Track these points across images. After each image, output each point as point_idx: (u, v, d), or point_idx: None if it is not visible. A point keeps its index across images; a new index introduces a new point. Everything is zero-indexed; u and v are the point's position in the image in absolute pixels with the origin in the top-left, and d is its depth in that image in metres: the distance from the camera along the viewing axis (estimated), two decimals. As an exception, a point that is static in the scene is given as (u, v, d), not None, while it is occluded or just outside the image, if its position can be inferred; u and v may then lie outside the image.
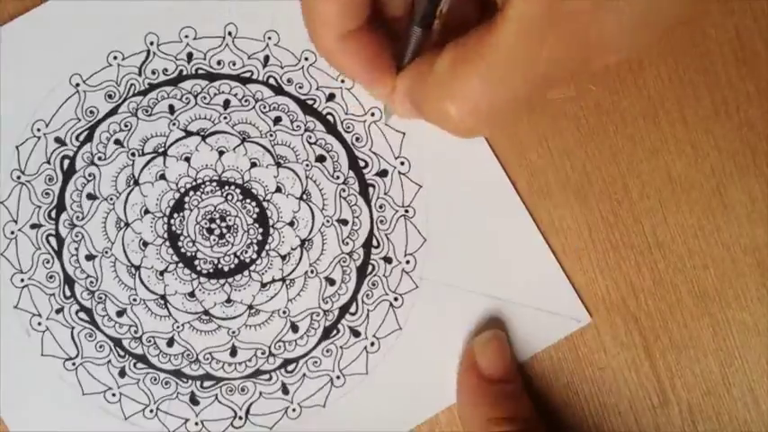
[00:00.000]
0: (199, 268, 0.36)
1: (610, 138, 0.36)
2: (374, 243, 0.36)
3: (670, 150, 0.36)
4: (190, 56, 0.36)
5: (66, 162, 0.36)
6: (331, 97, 0.36)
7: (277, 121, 0.36)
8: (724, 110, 0.36)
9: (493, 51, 0.25)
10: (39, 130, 0.36)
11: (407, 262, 0.36)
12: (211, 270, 0.36)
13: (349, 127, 0.36)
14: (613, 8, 0.23)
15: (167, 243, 0.36)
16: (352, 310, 0.36)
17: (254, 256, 0.36)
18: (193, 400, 0.35)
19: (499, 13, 0.24)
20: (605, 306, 0.36)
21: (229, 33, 0.36)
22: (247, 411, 0.35)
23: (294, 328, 0.35)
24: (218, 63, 0.36)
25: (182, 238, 0.36)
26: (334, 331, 0.35)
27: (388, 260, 0.36)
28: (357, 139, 0.36)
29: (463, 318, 0.35)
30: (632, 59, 0.36)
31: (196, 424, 0.35)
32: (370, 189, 0.36)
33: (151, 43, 0.36)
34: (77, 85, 0.36)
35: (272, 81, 0.36)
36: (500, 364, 0.34)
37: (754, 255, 0.36)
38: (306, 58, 0.36)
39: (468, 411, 0.34)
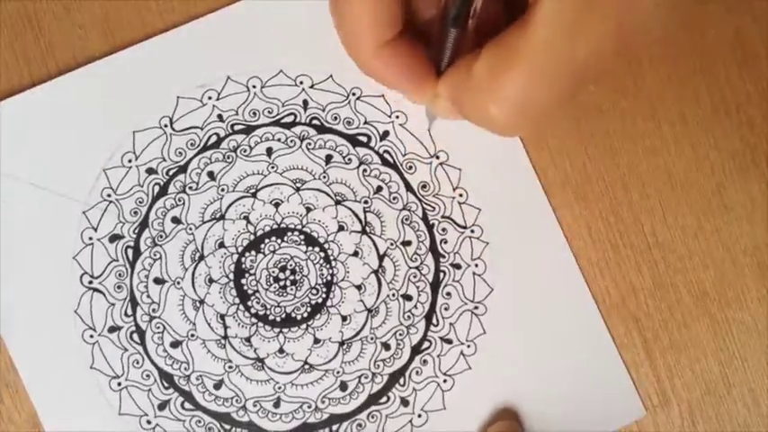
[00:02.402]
0: (254, 311, 0.35)
1: (610, 138, 0.36)
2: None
3: (670, 150, 0.36)
4: (305, 103, 0.36)
5: (157, 188, 0.35)
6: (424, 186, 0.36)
7: (378, 190, 0.36)
8: (724, 110, 0.36)
9: (529, 48, 0.24)
10: (129, 161, 0.35)
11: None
12: (275, 318, 0.35)
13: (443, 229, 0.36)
14: None
15: (231, 283, 0.35)
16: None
17: (310, 312, 0.35)
18: None
19: (531, 9, 0.24)
20: (605, 306, 0.36)
21: (353, 93, 0.36)
22: None
23: (343, 386, 0.35)
24: (335, 118, 0.36)
25: (249, 280, 0.35)
26: (384, 398, 0.35)
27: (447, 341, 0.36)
28: (444, 234, 0.36)
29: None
30: (632, 59, 0.36)
31: None
32: (441, 274, 0.36)
33: (253, 86, 0.36)
34: (165, 125, 0.36)
35: (385, 154, 0.36)
36: None
37: (754, 255, 0.36)
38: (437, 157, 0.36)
39: None
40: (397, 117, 0.36)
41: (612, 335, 0.36)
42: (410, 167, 0.36)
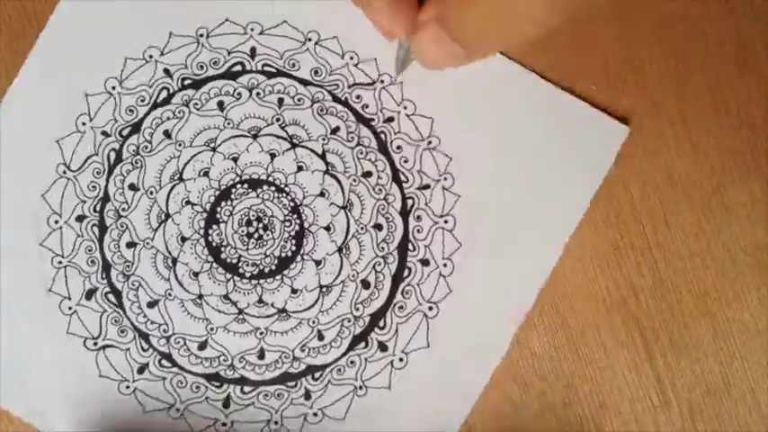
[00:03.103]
0: (240, 270, 0.36)
1: (610, 138, 0.36)
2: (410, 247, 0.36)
3: (670, 150, 0.36)
4: (253, 51, 0.36)
5: (113, 154, 0.36)
6: (389, 120, 0.36)
7: (335, 131, 0.36)
8: (724, 110, 0.36)
9: None
10: (83, 124, 0.36)
11: (444, 265, 0.36)
12: (250, 272, 0.36)
13: (399, 147, 0.36)
14: None
15: (203, 241, 0.35)
16: (381, 324, 0.36)
17: (290, 255, 0.36)
18: (226, 405, 0.35)
19: None
20: (605, 306, 0.36)
21: (310, 39, 0.36)
22: (281, 416, 0.35)
23: (321, 336, 0.35)
24: (293, 65, 0.36)
25: (218, 235, 0.36)
26: (363, 342, 0.36)
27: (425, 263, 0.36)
28: (405, 160, 0.36)
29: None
30: (632, 59, 0.36)
31: (224, 424, 0.35)
32: (409, 201, 0.36)
33: (201, 35, 0.36)
34: (113, 88, 0.36)
35: (335, 91, 0.36)
36: None
37: (754, 255, 0.36)
38: (382, 81, 0.36)
39: None
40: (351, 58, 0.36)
41: (610, 331, 0.36)
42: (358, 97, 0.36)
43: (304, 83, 0.36)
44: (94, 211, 0.35)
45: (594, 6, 0.31)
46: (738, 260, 0.36)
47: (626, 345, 0.36)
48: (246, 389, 0.35)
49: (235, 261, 0.36)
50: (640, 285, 0.36)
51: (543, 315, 0.36)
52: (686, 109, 0.36)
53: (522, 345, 0.36)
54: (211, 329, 0.35)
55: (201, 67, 0.36)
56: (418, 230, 0.36)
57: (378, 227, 0.36)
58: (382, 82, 0.36)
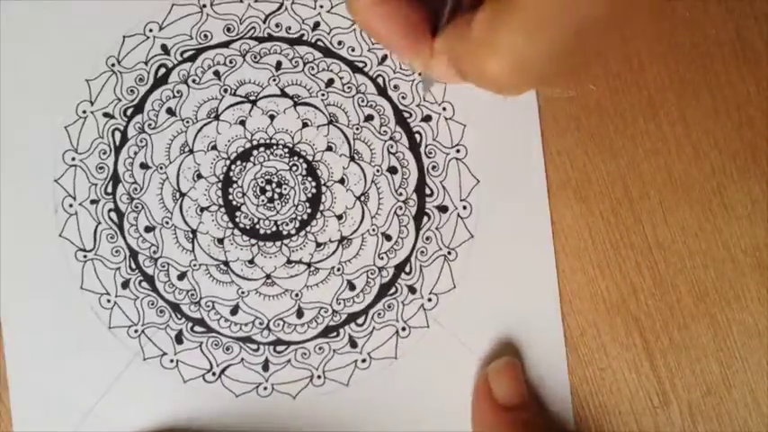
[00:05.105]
0: (261, 233, 0.36)
1: (610, 138, 0.36)
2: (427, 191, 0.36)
3: (670, 150, 0.36)
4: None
5: (118, 134, 0.36)
6: (383, 59, 0.36)
7: (330, 83, 0.36)
8: (724, 110, 0.36)
9: (529, 1, 0.24)
10: (84, 111, 0.36)
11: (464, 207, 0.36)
12: (269, 233, 0.36)
13: (396, 86, 0.36)
14: None
15: (223, 209, 0.36)
16: (407, 269, 0.36)
17: (308, 216, 0.36)
18: (266, 367, 0.35)
19: None
20: (605, 306, 0.36)
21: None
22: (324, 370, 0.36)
23: (351, 286, 0.36)
24: (277, 26, 0.36)
25: (236, 203, 0.36)
26: (392, 289, 0.36)
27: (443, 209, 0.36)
28: (403, 96, 0.36)
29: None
30: (632, 59, 0.36)
31: (265, 388, 0.35)
32: (417, 136, 0.36)
33: (204, 5, 0.36)
34: (113, 65, 0.36)
35: (320, 44, 0.36)
36: (515, 391, 0.33)
37: (754, 255, 0.36)
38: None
39: None
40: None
41: (610, 332, 0.36)
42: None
43: (292, 42, 0.36)
44: (106, 193, 0.35)
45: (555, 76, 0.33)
46: (738, 260, 0.36)
47: (626, 345, 0.36)
48: (279, 348, 0.35)
49: (255, 225, 0.36)
50: (640, 285, 0.36)
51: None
52: (686, 109, 0.36)
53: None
54: (242, 293, 0.35)
55: (206, 36, 0.36)
56: (433, 167, 0.36)
57: (392, 170, 0.36)
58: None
